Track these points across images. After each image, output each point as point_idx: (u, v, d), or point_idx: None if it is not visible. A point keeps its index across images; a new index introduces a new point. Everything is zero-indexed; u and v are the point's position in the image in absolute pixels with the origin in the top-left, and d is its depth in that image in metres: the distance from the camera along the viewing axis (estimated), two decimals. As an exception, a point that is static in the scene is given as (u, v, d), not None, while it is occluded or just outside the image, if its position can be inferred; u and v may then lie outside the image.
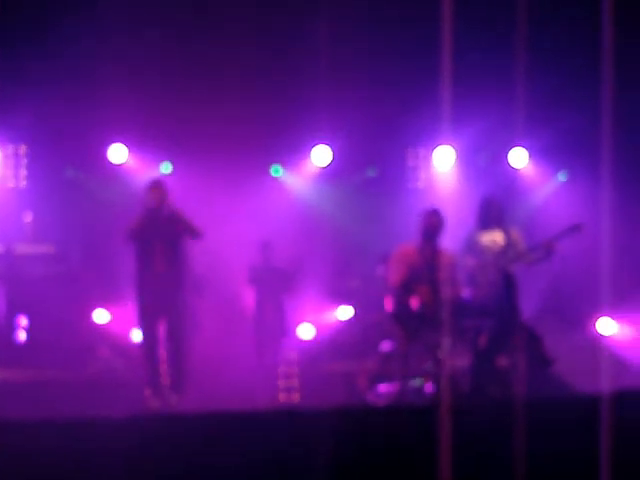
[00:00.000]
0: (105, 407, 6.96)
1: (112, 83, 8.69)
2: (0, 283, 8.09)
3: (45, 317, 7.86)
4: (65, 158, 9.88)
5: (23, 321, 8.00)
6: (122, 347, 8.14)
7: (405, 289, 6.45)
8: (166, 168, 9.93)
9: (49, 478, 4.17)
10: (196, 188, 9.71)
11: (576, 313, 9.39)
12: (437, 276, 6.43)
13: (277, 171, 10.30)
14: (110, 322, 8.42)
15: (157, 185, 7.03)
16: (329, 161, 10.19)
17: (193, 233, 6.89)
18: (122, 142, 9.81)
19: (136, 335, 8.72)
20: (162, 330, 6.93)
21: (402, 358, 6.27)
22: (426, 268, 6.46)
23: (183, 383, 6.98)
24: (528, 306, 8.66)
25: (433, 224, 6.56)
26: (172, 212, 6.90)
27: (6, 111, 8.47)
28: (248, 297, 8.96)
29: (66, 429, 4.50)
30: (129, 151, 9.92)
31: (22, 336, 7.92)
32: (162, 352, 6.99)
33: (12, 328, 8.01)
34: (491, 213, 7.02)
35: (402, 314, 6.45)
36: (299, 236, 9.91)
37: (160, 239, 6.83)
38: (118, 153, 9.82)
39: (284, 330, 8.80)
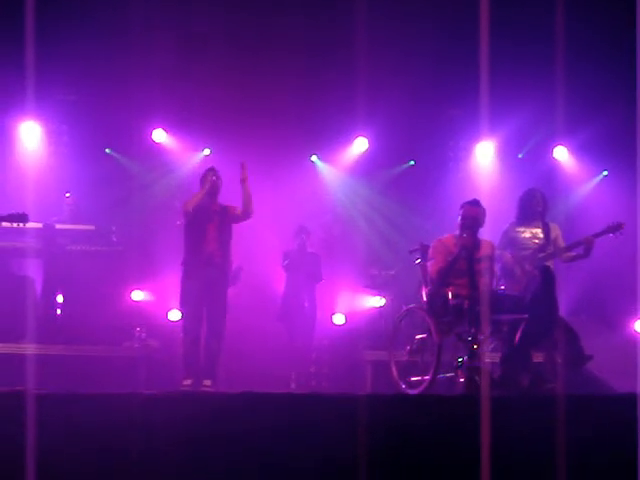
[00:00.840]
0: (138, 384, 7.09)
1: (156, 67, 8.76)
2: (39, 259, 8.17)
3: (83, 294, 7.93)
4: (105, 138, 9.98)
5: (60, 298, 8.08)
6: (158, 326, 8.20)
7: (442, 280, 6.42)
8: (205, 153, 10.01)
9: (82, 450, 4.21)
10: (233, 174, 9.77)
11: (614, 313, 9.29)
12: (476, 268, 6.39)
13: (315, 160, 10.34)
14: (147, 301, 8.49)
15: (215, 172, 7.13)
16: (368, 152, 10.22)
17: (247, 208, 6.96)
18: (162, 126, 9.90)
19: (177, 318, 8.82)
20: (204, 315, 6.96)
21: (435, 350, 6.23)
22: (465, 260, 6.42)
23: (217, 369, 7.00)
24: (566, 304, 8.62)
25: (473, 215, 6.47)
26: (225, 204, 7.04)
27: (48, 89, 8.53)
28: (281, 282, 8.97)
29: (101, 402, 4.56)
30: (168, 134, 10.02)
31: (59, 312, 8.00)
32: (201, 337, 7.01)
33: (50, 304, 8.09)
34: (533, 207, 6.98)
35: (437, 306, 6.41)
36: (335, 224, 9.94)
37: (213, 225, 6.93)
38: (159, 136, 9.96)
39: (316, 316, 8.81)
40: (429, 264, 6.57)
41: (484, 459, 3.58)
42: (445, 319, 6.26)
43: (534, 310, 6.06)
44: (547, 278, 6.28)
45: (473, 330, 6.08)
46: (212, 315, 6.92)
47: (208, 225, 6.94)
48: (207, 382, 6.82)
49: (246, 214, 7.01)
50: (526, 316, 6.04)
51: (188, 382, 6.83)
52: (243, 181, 6.92)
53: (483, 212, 6.53)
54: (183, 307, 7.02)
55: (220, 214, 7.01)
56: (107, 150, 10.03)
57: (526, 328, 6.07)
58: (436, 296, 6.42)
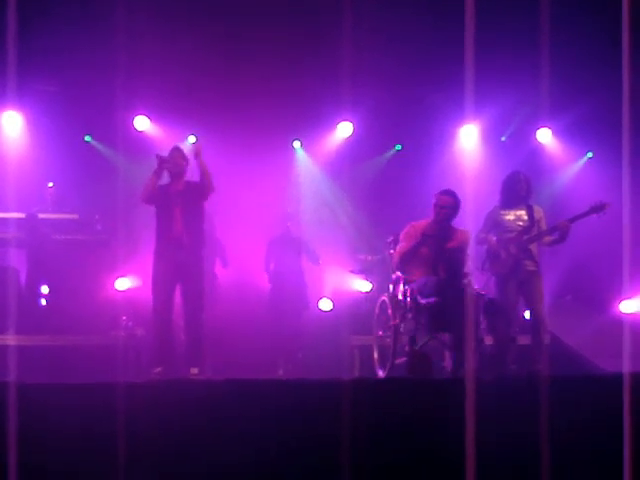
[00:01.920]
0: (125, 373, 7.06)
1: (137, 54, 8.69)
2: (22, 249, 8.13)
3: (67, 283, 7.89)
4: (86, 126, 9.93)
5: (45, 288, 8.05)
6: (144, 315, 8.17)
7: (402, 266, 6.48)
8: (191, 140, 9.98)
9: (65, 440, 4.20)
10: (218, 161, 9.74)
11: (600, 293, 9.33)
12: (445, 258, 6.42)
13: (297, 147, 10.34)
14: (131, 290, 8.45)
15: (177, 151, 6.95)
16: (352, 137, 10.21)
17: (204, 182, 6.74)
18: (145, 113, 9.85)
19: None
20: (179, 299, 6.80)
21: (392, 334, 6.37)
22: (430, 249, 6.45)
23: (202, 354, 6.76)
24: (551, 285, 8.65)
25: (444, 204, 6.52)
26: (191, 181, 6.84)
27: (29, 79, 8.46)
28: (269, 267, 8.97)
29: (83, 392, 4.55)
30: (151, 121, 9.97)
31: (44, 302, 7.97)
32: (179, 322, 6.93)
33: (34, 294, 8.06)
34: (516, 190, 6.97)
35: (397, 291, 6.48)
36: (320, 209, 9.94)
37: (179, 204, 6.71)
38: (141, 123, 9.92)
39: (304, 301, 8.81)
40: (397, 248, 6.62)
41: (468, 442, 3.60)
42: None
43: (440, 295, 6.12)
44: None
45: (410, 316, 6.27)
46: (187, 299, 6.73)
47: (173, 207, 6.71)
48: (194, 370, 6.61)
49: (205, 188, 6.76)
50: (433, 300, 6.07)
51: (158, 369, 6.55)
52: (197, 156, 6.74)
53: (456, 202, 6.55)
54: (153, 290, 6.75)
55: (184, 194, 6.77)
56: (87, 138, 9.98)
57: (433, 312, 6.12)
58: (395, 282, 6.52)
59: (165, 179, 6.89)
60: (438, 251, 6.48)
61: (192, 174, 6.93)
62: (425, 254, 6.48)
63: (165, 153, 6.89)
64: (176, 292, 6.77)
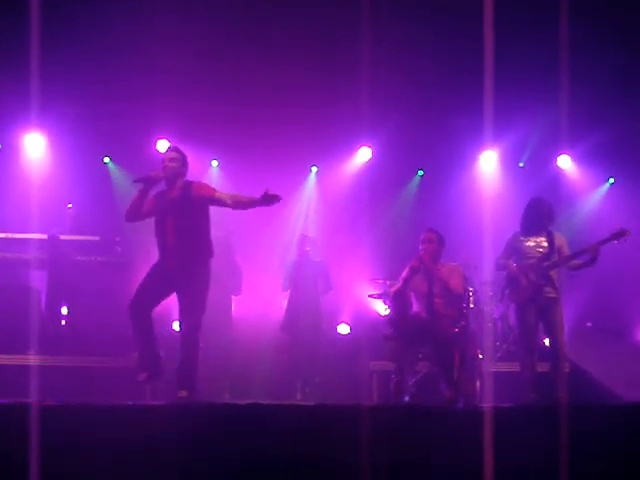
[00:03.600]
0: (143, 395, 7.08)
1: (159, 77, 8.78)
2: (43, 270, 8.18)
3: (88, 305, 7.94)
4: (107, 148, 10.02)
5: (65, 309, 8.08)
6: (163, 337, 8.19)
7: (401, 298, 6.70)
8: (213, 165, 10.10)
9: (85, 459, 4.22)
10: (238, 185, 9.82)
11: (621, 321, 9.27)
12: (434, 291, 6.56)
13: (316, 171, 10.42)
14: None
15: (171, 152, 6.25)
16: (372, 161, 10.26)
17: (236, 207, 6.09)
18: (166, 137, 9.94)
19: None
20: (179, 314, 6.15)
21: (398, 362, 6.56)
22: (425, 286, 6.61)
23: (192, 377, 6.05)
24: (572, 312, 8.61)
25: (427, 245, 6.67)
26: (188, 186, 6.10)
27: (51, 100, 8.55)
28: (286, 288, 8.96)
29: (104, 413, 4.57)
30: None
31: (63, 323, 8.00)
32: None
33: (54, 315, 8.10)
34: (537, 217, 6.95)
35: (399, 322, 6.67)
36: (339, 234, 9.95)
37: (171, 215, 6.04)
38: (163, 146, 9.99)
39: (319, 326, 8.80)
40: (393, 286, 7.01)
41: (487, 471, 3.57)
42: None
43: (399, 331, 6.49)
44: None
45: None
46: (181, 316, 6.13)
47: (166, 217, 6.07)
48: (182, 393, 5.93)
49: (231, 207, 6.10)
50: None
51: (143, 375, 6.04)
52: (264, 201, 5.92)
53: (439, 240, 6.70)
54: (135, 291, 6.07)
55: (179, 202, 6.06)
56: (106, 159, 10.06)
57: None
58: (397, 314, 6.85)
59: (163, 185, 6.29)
60: (429, 288, 6.62)
61: (190, 175, 6.34)
62: (420, 291, 6.68)
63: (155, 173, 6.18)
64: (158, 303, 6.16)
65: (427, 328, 6.42)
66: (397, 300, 6.71)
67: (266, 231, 9.77)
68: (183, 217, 6.03)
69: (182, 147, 6.16)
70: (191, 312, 6.05)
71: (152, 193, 6.19)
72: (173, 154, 6.19)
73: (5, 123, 9.46)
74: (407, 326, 6.49)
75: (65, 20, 8.19)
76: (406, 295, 6.67)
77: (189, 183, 6.15)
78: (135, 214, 6.19)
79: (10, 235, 8.13)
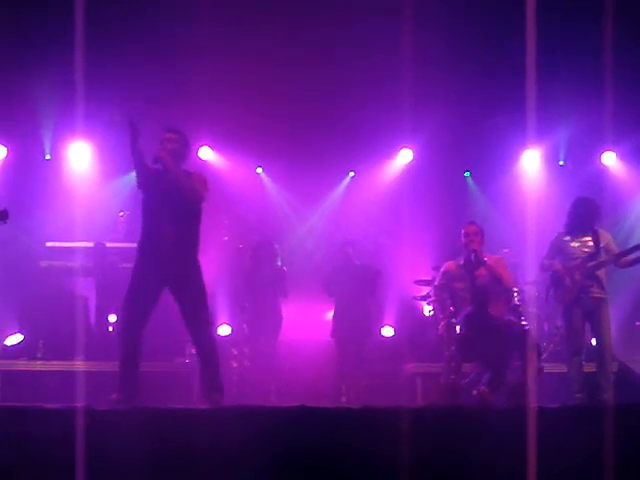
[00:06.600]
0: (190, 399, 7.16)
1: (202, 85, 8.86)
2: (91, 278, 8.29)
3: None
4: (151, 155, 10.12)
5: (112, 317, 8.16)
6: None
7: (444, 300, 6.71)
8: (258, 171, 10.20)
9: (132, 463, 4.27)
10: (280, 191, 9.94)
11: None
12: (476, 286, 6.49)
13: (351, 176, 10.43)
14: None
15: (173, 135, 5.76)
16: (413, 163, 10.24)
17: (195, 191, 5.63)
18: (209, 143, 10.03)
19: (226, 332, 8.88)
20: (182, 317, 5.74)
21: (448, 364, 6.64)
22: (468, 281, 6.54)
23: (219, 376, 5.68)
24: (620, 310, 8.49)
25: (474, 237, 6.59)
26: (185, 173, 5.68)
27: (95, 108, 8.67)
28: (332, 292, 8.96)
29: (150, 416, 4.63)
30: (214, 152, 10.16)
31: (112, 330, 8.10)
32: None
33: (102, 322, 8.20)
34: (582, 216, 6.87)
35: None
36: (381, 237, 9.96)
37: (172, 199, 5.60)
38: (205, 153, 10.11)
39: (367, 329, 8.78)
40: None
41: (530, 472, 3.56)
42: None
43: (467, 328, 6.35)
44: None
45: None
46: (187, 316, 5.67)
47: (164, 201, 5.64)
48: (214, 396, 5.60)
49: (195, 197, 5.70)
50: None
51: (117, 397, 5.48)
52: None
53: (479, 231, 6.64)
54: (125, 295, 5.70)
55: (181, 187, 5.62)
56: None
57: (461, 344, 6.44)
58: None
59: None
60: (471, 283, 6.57)
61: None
62: (460, 288, 6.61)
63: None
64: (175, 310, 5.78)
65: (500, 327, 6.30)
66: (476, 297, 6.51)
67: (309, 234, 9.83)
68: (184, 204, 5.62)
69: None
70: (200, 309, 5.63)
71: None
72: (171, 135, 5.76)
73: (53, 133, 9.63)
74: (484, 324, 6.32)
75: (108, 28, 8.31)
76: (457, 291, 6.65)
77: (189, 173, 5.76)
78: (141, 172, 5.65)
79: (58, 244, 8.26)
